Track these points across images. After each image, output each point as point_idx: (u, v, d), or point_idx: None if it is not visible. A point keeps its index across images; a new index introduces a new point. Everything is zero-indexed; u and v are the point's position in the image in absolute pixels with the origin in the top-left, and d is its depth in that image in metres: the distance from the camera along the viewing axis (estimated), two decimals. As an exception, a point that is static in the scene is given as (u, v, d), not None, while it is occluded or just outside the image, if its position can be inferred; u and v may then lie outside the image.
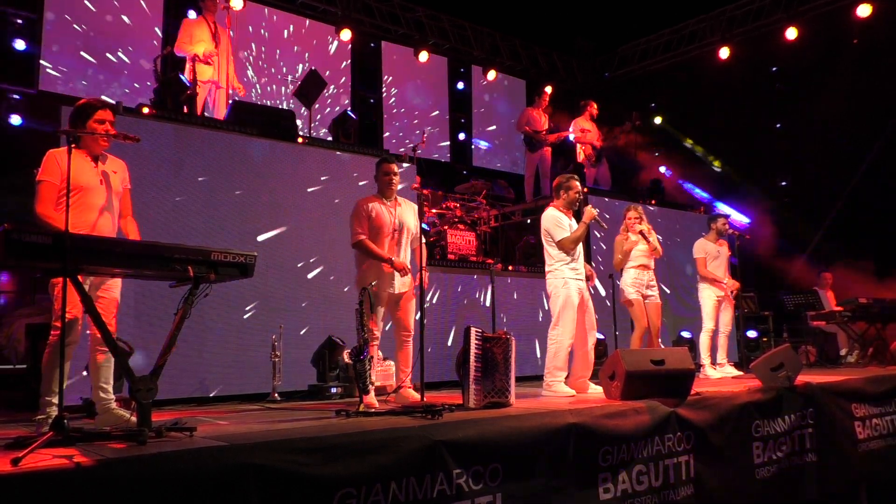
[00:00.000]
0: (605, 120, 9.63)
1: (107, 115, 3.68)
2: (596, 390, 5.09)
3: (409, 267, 4.96)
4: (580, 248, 5.27)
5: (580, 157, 9.60)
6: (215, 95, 7.28)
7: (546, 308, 5.33)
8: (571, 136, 9.60)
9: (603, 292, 7.74)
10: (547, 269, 5.28)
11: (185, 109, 6.31)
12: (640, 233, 6.27)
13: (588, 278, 5.34)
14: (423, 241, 4.93)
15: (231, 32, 7.54)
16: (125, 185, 3.86)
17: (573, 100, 12.41)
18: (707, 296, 6.91)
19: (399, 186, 5.16)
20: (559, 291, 5.15)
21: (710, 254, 6.96)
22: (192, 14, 7.89)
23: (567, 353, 5.07)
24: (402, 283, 4.95)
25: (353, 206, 5.03)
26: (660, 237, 6.51)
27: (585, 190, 8.68)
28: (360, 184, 6.64)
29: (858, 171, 10.99)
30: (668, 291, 8.73)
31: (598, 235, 8.62)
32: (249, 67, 9.68)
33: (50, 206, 3.45)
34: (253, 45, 9.75)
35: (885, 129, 10.64)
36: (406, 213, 5.09)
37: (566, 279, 5.15)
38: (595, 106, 9.80)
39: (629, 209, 6.44)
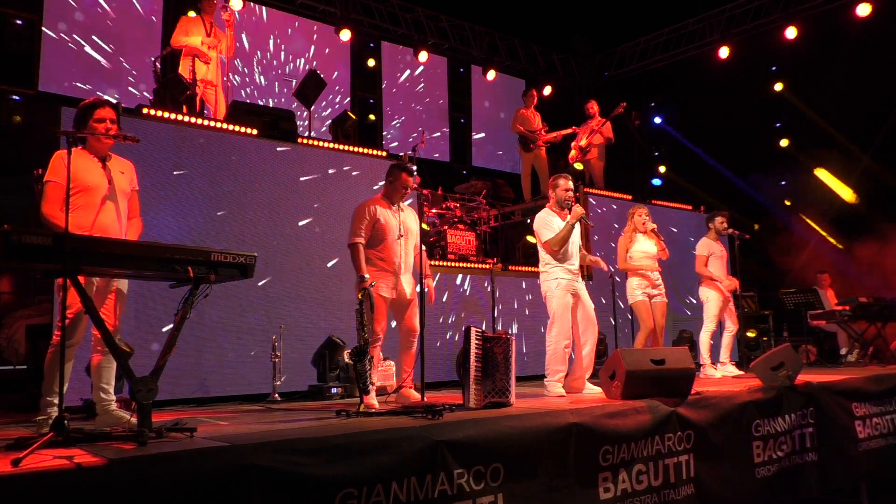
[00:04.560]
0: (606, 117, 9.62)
1: (106, 114, 3.67)
2: (593, 390, 5.10)
3: (390, 275, 4.87)
4: (574, 247, 5.25)
5: (570, 154, 9.61)
6: (213, 94, 7.26)
7: (544, 308, 5.32)
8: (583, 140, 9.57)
9: (603, 300, 7.74)
10: (540, 269, 5.28)
11: (185, 109, 6.31)
12: (653, 231, 6.27)
13: (595, 265, 5.38)
14: (423, 247, 4.92)
15: (238, 35, 7.55)
16: (133, 186, 3.86)
17: (573, 98, 12.42)
18: (714, 296, 6.88)
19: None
20: (552, 293, 5.15)
21: (714, 253, 6.95)
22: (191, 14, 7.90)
23: (564, 353, 5.06)
24: (408, 290, 4.93)
25: (357, 206, 5.00)
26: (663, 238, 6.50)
27: (586, 189, 8.71)
28: (360, 184, 6.64)
29: (858, 169, 11.01)
30: (668, 291, 8.73)
31: (595, 238, 8.62)
32: (249, 67, 9.68)
33: (56, 206, 3.44)
34: (253, 45, 9.75)
35: (884, 125, 10.66)
36: (409, 218, 5.06)
37: (558, 279, 5.13)
38: (593, 104, 9.79)
39: (637, 209, 6.43)
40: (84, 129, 3.57)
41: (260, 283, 5.80)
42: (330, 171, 6.56)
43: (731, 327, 6.98)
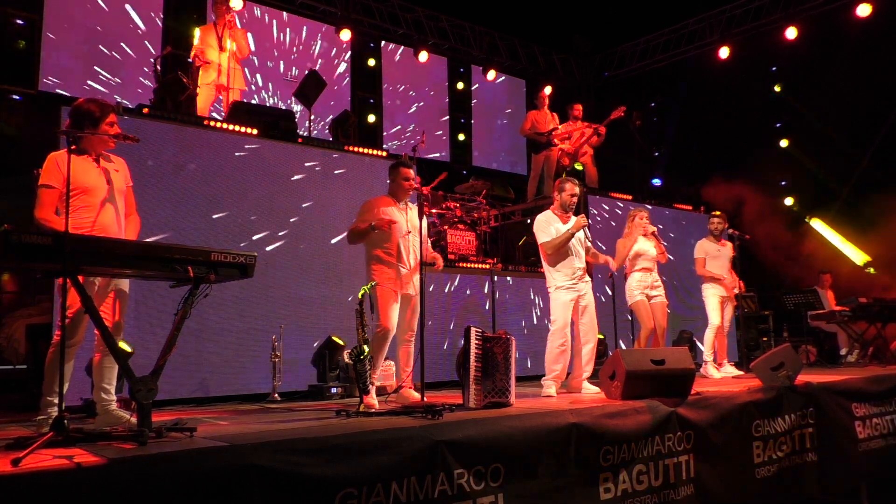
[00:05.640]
0: (605, 119, 9.60)
1: (115, 118, 3.70)
2: (591, 389, 5.11)
3: (393, 271, 4.88)
4: (578, 249, 5.26)
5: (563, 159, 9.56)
6: (226, 97, 7.27)
7: (543, 308, 5.33)
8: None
9: (603, 298, 7.74)
10: (546, 270, 5.29)
11: (185, 110, 6.31)
12: (653, 234, 6.27)
13: (605, 262, 5.36)
14: (422, 246, 4.95)
15: (247, 34, 7.62)
16: (127, 183, 3.86)
17: (573, 99, 12.41)
18: (711, 294, 6.89)
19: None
20: (553, 295, 5.20)
21: (710, 253, 6.95)
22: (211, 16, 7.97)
23: (559, 353, 5.08)
24: (415, 286, 4.95)
25: (365, 202, 5.01)
26: (665, 243, 6.49)
27: (583, 190, 8.70)
28: (360, 184, 6.64)
29: (858, 168, 11.02)
30: (669, 291, 8.73)
31: (599, 244, 8.62)
32: (249, 67, 9.68)
33: (50, 211, 3.43)
34: (253, 45, 9.74)
35: (884, 125, 10.66)
36: (415, 217, 5.06)
37: (559, 282, 5.16)
38: (579, 107, 9.74)
39: (637, 212, 6.43)
40: (94, 131, 3.56)
41: (260, 284, 5.80)
42: (329, 172, 6.56)
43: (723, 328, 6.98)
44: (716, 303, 6.84)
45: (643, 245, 6.29)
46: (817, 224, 11.70)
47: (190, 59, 7.18)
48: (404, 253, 4.90)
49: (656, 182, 12.75)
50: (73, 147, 3.17)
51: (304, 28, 10.50)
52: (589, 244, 5.41)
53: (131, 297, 5.01)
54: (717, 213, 7.17)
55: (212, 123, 6.12)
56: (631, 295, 6.25)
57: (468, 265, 7.64)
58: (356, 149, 6.89)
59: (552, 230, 5.20)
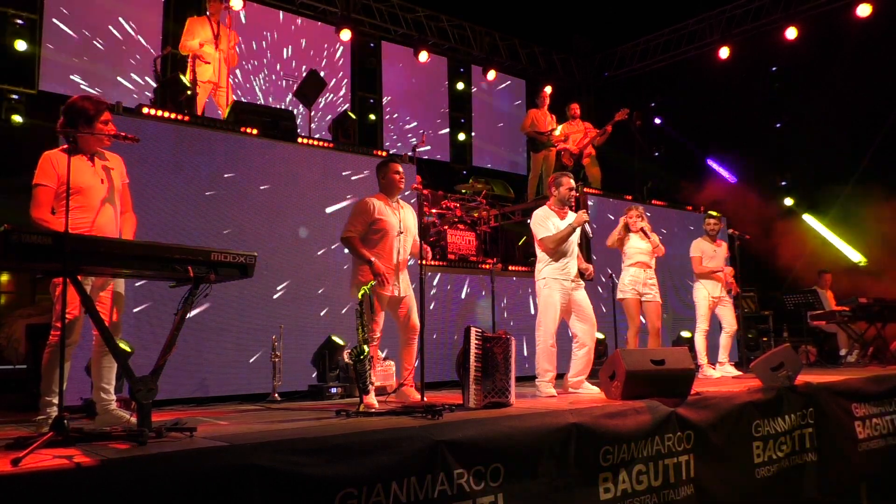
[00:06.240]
0: (606, 119, 9.60)
1: (109, 116, 3.68)
2: (590, 389, 5.10)
3: (389, 272, 4.83)
4: (573, 247, 5.25)
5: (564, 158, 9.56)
6: (217, 95, 7.28)
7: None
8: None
9: (601, 291, 7.74)
10: (536, 267, 5.28)
11: (186, 110, 6.31)
12: (641, 230, 6.27)
13: (586, 272, 5.30)
14: (421, 241, 4.94)
15: (239, 38, 7.61)
16: (123, 181, 3.85)
17: (573, 99, 12.42)
18: (702, 296, 6.90)
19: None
20: (542, 292, 5.16)
21: (706, 253, 6.96)
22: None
23: (550, 352, 5.06)
24: (404, 287, 4.94)
25: (358, 201, 4.99)
26: (660, 237, 6.50)
27: (586, 189, 8.71)
28: (360, 183, 6.64)
29: (858, 169, 11.02)
30: (668, 291, 8.73)
31: (591, 236, 8.61)
32: (249, 67, 9.68)
33: (46, 210, 3.42)
34: (253, 45, 9.75)
35: (884, 125, 10.67)
36: (408, 216, 5.07)
37: (548, 279, 5.13)
38: (577, 107, 9.75)
39: (629, 209, 6.45)
40: (88, 129, 3.54)
41: (260, 283, 5.79)
42: (329, 171, 6.56)
43: (728, 328, 6.98)
44: (706, 306, 6.85)
45: (637, 241, 6.29)
46: (816, 223, 11.71)
47: (192, 57, 7.14)
48: (395, 253, 4.89)
49: (656, 182, 12.74)
50: (71, 141, 3.16)
51: (304, 28, 10.49)
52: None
53: (131, 298, 5.03)
54: (714, 213, 7.17)
55: (212, 123, 6.12)
56: (622, 290, 6.27)
57: (468, 265, 7.64)
58: (356, 149, 6.88)
59: (550, 225, 5.19)
